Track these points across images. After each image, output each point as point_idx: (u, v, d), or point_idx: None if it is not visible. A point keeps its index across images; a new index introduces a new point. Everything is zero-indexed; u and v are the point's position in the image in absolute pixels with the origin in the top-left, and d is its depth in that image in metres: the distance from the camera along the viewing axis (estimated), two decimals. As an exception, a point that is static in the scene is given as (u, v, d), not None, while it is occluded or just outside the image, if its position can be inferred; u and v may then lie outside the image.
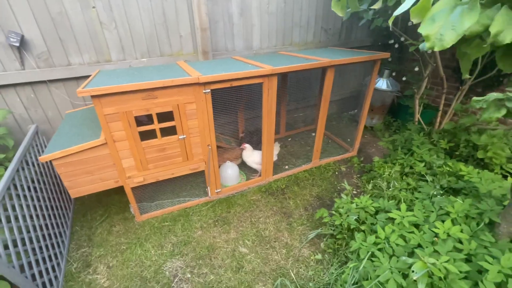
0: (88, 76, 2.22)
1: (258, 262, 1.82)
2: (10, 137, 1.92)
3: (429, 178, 2.19)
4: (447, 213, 1.66)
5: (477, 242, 1.42)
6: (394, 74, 3.41)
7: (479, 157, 2.41)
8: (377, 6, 1.42)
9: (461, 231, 1.49)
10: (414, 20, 0.75)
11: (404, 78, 3.47)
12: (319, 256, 1.84)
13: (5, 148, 2.00)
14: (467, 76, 0.96)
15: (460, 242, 1.45)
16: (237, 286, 1.67)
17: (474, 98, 1.00)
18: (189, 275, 1.75)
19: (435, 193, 1.95)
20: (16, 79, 2.05)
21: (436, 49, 0.72)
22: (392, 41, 3.21)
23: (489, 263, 1.27)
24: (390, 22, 0.88)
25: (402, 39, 2.84)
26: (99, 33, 2.19)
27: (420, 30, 0.74)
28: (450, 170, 2.21)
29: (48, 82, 2.18)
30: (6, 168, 1.64)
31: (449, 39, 0.70)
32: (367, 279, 1.37)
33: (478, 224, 1.55)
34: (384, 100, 3.35)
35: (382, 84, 3.25)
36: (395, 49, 3.41)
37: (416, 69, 3.02)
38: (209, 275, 1.74)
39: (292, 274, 1.73)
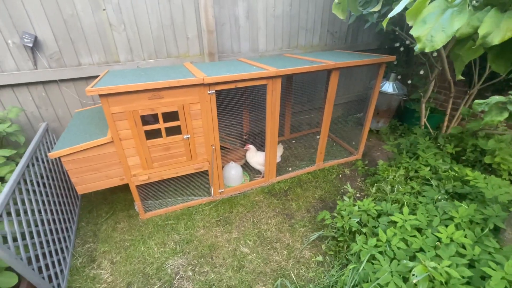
0: (97, 76, 2.28)
1: (259, 262, 1.83)
2: (21, 134, 1.98)
3: (434, 182, 2.16)
4: (451, 218, 1.64)
5: (481, 248, 1.40)
6: (399, 77, 3.39)
7: (486, 163, 2.36)
8: (376, 8, 1.43)
9: (465, 236, 1.47)
10: (409, 22, 0.76)
11: (409, 82, 3.44)
12: (320, 258, 1.83)
13: (17, 145, 2.08)
14: (460, 77, 0.96)
15: (464, 247, 1.43)
16: (238, 285, 1.68)
17: (476, 101, 0.99)
18: (190, 273, 1.77)
19: (439, 197, 1.92)
20: (29, 78, 2.13)
21: (427, 50, 0.73)
22: (397, 44, 3.19)
23: (493, 269, 1.25)
24: (384, 24, 0.89)
25: (408, 42, 2.82)
26: (109, 35, 2.26)
27: (412, 31, 0.75)
28: (456, 175, 2.18)
29: (59, 82, 2.25)
30: (17, 164, 1.70)
31: (439, 40, 0.70)
32: (367, 282, 1.37)
33: (482, 230, 1.52)
34: (390, 103, 3.32)
35: (388, 87, 3.23)
36: (402, 53, 3.39)
37: (421, 72, 3.00)
38: (210, 274, 1.76)
39: (293, 275, 1.74)
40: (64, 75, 2.23)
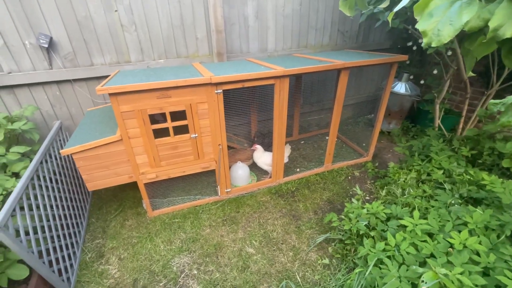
0: (108, 76, 2.33)
1: (264, 263, 1.82)
2: (36, 132, 2.05)
3: (447, 186, 2.08)
4: (465, 223, 1.57)
5: (497, 255, 1.33)
6: (412, 77, 3.29)
7: (504, 166, 2.25)
8: (384, 5, 1.39)
9: (479, 243, 1.40)
10: (417, 17, 0.73)
11: (422, 82, 3.34)
12: (326, 261, 1.80)
13: (32, 142, 2.15)
14: (471, 74, 0.91)
15: (478, 254, 1.37)
16: (242, 285, 1.68)
17: (491, 101, 0.94)
18: (195, 272, 1.78)
19: (453, 202, 1.85)
20: (44, 78, 2.20)
21: (434, 45, 0.69)
22: (410, 43, 3.11)
23: (509, 278, 1.18)
24: (389, 18, 0.87)
25: (421, 41, 2.74)
26: (120, 35, 2.31)
27: (417, 25, 0.71)
28: (471, 179, 2.09)
29: (72, 81, 2.32)
30: (31, 160, 1.76)
31: (447, 34, 0.66)
32: (374, 287, 1.33)
33: (498, 237, 1.45)
34: (402, 104, 3.24)
35: (400, 88, 3.15)
36: (415, 52, 3.30)
37: (435, 72, 2.90)
38: (215, 273, 1.76)
39: (298, 277, 1.71)
40: (77, 75, 2.29)
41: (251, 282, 1.69)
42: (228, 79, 1.81)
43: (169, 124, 1.86)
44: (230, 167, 2.49)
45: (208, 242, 1.99)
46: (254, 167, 2.71)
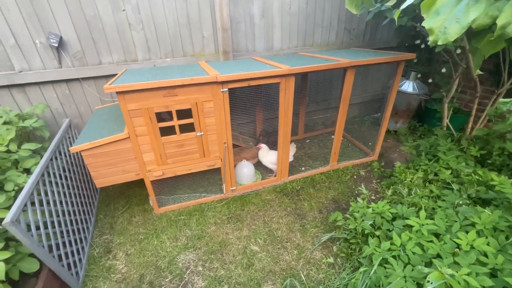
0: (116, 75, 2.36)
1: (269, 261, 1.83)
2: (46, 129, 2.10)
3: (455, 186, 2.05)
4: (472, 224, 1.55)
5: (505, 257, 1.31)
6: (419, 76, 3.24)
7: (514, 167, 2.21)
8: (391, 3, 1.37)
9: (487, 244, 1.38)
10: (424, 14, 0.72)
11: (430, 80, 3.29)
12: (331, 260, 1.80)
13: (42, 139, 2.20)
14: (479, 72, 0.90)
15: (485, 255, 1.35)
16: (246, 282, 1.69)
17: (501, 100, 0.93)
18: (200, 268, 1.80)
19: (460, 202, 1.82)
20: (54, 77, 2.25)
21: (440, 43, 0.68)
22: (418, 41, 3.06)
23: (517, 280, 1.17)
24: (396, 16, 0.86)
25: (428, 38, 2.70)
26: (128, 34, 2.33)
27: (424, 23, 0.70)
28: (480, 179, 2.05)
29: (81, 80, 2.36)
30: (41, 157, 1.80)
31: (453, 32, 0.65)
32: (379, 286, 1.33)
33: (507, 238, 1.43)
34: (410, 103, 3.19)
35: (408, 86, 3.11)
36: (424, 50, 3.25)
37: (443, 70, 2.84)
38: (219, 270, 1.78)
39: (302, 276, 1.72)
40: (86, 74, 2.33)
41: (255, 280, 1.70)
42: (233, 78, 1.82)
43: (175, 122, 1.88)
44: (235, 166, 2.50)
45: (213, 240, 2.01)
46: (259, 166, 2.72)
